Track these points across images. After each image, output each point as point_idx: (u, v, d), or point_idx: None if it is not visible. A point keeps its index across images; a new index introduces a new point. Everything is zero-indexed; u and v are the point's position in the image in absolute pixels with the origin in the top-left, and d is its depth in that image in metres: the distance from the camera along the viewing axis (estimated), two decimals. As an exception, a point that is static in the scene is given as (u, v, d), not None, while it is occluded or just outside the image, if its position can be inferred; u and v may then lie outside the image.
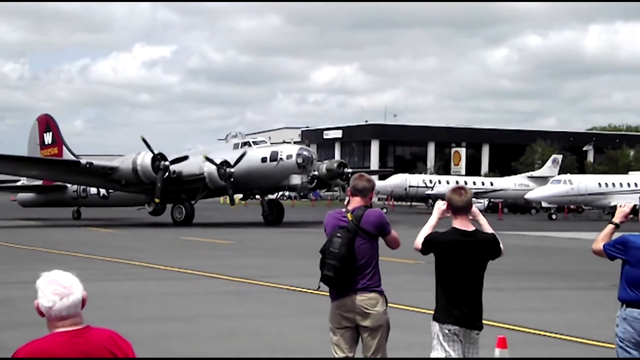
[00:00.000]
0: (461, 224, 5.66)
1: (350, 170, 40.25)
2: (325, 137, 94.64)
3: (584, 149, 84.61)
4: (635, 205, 5.89)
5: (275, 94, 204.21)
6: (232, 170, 35.29)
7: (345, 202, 6.14)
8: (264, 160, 36.16)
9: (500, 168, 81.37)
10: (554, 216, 52.94)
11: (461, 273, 5.59)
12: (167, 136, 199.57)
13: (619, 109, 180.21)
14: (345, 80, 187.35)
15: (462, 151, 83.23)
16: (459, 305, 5.57)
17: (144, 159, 35.22)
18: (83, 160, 36.25)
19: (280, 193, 51.07)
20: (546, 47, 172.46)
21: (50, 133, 42.47)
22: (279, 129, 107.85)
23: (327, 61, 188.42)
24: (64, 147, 42.10)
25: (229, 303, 12.57)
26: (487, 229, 5.78)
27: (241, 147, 37.25)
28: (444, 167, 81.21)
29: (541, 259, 22.08)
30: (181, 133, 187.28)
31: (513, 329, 10.11)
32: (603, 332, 9.25)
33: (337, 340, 6.00)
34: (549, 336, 9.88)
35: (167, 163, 35.33)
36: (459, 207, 5.66)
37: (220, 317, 11.14)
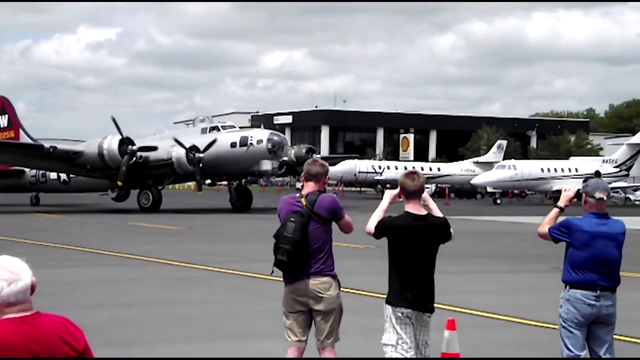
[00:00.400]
0: (413, 208, 5.76)
1: (319, 156, 39.77)
2: (275, 122, 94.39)
3: (527, 134, 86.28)
4: (578, 190, 6.07)
5: (224, 78, 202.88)
6: (202, 155, 34.39)
7: (300, 186, 6.21)
8: (233, 145, 35.24)
9: (447, 154, 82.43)
10: (498, 201, 53.96)
11: (414, 257, 5.69)
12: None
13: (561, 95, 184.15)
14: (295, 66, 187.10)
15: (411, 137, 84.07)
16: (412, 288, 5.68)
17: (111, 143, 34.12)
18: (46, 144, 34.91)
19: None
20: (491, 34, 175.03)
21: (6, 116, 40.87)
22: (228, 113, 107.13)
23: (276, 46, 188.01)
24: (20, 131, 40.60)
25: (179, 289, 12.51)
26: (438, 213, 5.90)
27: (209, 132, 36.26)
28: (392, 153, 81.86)
29: (486, 243, 22.53)
30: (128, 117, 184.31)
31: (461, 312, 10.33)
32: (547, 313, 9.51)
33: (290, 324, 6.06)
34: (496, 318, 10.12)
35: (134, 148, 34.31)
36: (411, 191, 5.76)
37: (170, 303, 11.10)
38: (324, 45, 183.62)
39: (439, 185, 63.43)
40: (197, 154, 34.40)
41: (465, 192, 64.14)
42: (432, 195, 59.57)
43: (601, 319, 5.83)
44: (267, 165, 35.15)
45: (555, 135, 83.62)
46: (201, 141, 35.23)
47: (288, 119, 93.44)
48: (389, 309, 5.73)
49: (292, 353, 6.05)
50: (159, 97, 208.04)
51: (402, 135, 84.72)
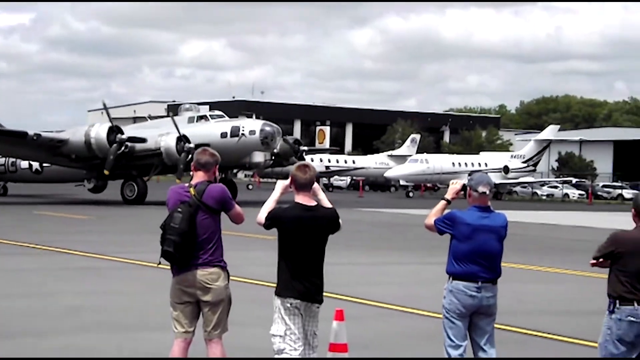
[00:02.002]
0: (303, 199, 5.80)
1: (305, 148, 38.33)
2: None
3: (441, 129, 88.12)
4: (464, 183, 6.24)
5: (141, 66, 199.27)
6: (192, 145, 32.25)
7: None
8: (223, 135, 33.72)
9: (363, 147, 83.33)
10: (411, 194, 54.96)
11: (303, 247, 5.73)
12: (27, 107, 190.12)
13: (474, 91, 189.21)
14: (213, 56, 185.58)
15: (327, 129, 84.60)
16: (301, 279, 5.71)
17: (99, 131, 32.41)
18: (30, 132, 32.72)
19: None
20: (407, 30, 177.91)
21: None
22: (145, 102, 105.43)
23: (195, 36, 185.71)
24: None
25: (75, 279, 12.33)
26: (327, 204, 5.96)
27: (197, 122, 34.86)
28: (308, 145, 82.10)
29: (396, 235, 22.88)
30: (42, 104, 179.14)
31: (356, 302, 10.48)
32: (437, 304, 9.73)
33: (177, 315, 6.01)
34: (386, 308, 10.32)
35: (123, 137, 32.69)
36: (302, 183, 5.79)
37: (67, 293, 10.93)
38: (242, 35, 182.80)
39: (354, 177, 64.10)
40: (187, 144, 32.66)
41: (379, 184, 65.04)
42: (347, 188, 60.25)
43: (482, 309, 5.98)
44: (259, 157, 33.83)
45: (467, 130, 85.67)
46: (188, 131, 33.62)
47: (205, 109, 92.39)
48: (277, 300, 5.75)
49: (178, 344, 6.00)
50: (74, 85, 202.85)
51: (318, 128, 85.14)
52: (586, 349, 8.05)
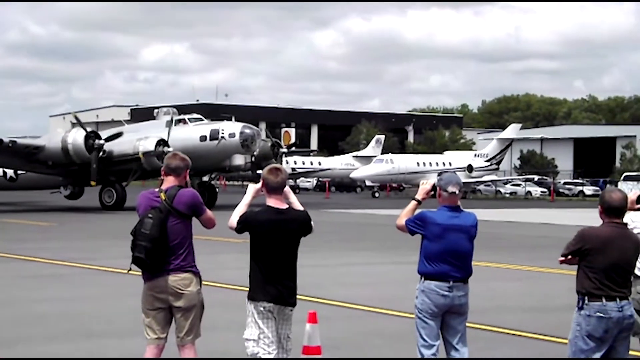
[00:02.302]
0: (275, 202, 5.79)
1: (285, 150, 37.76)
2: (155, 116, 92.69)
3: (405, 129, 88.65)
4: (434, 183, 6.27)
5: (103, 71, 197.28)
6: (171, 149, 31.69)
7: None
8: (203, 139, 33.23)
9: (328, 148, 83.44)
10: (376, 194, 55.19)
11: (276, 250, 5.71)
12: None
13: (436, 91, 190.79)
14: (176, 59, 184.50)
15: (292, 131, 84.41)
16: (274, 282, 5.69)
17: (76, 137, 31.73)
18: (5, 138, 31.90)
19: None
20: (370, 31, 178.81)
21: None
22: (108, 107, 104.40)
23: (157, 39, 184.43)
24: None
25: (44, 286, 12.17)
26: (298, 206, 5.95)
27: (175, 125, 34.16)
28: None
29: (363, 236, 22.95)
30: (1, 110, 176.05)
31: (326, 303, 10.49)
32: (407, 304, 9.79)
33: (149, 322, 5.95)
34: (361, 309, 10.33)
35: (101, 142, 32.08)
36: (274, 186, 5.77)
37: (34, 300, 10.78)
38: (205, 38, 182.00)
39: (320, 179, 64.12)
40: (166, 148, 32.03)
41: (345, 185, 65.19)
42: (313, 189, 60.16)
43: (454, 309, 6.02)
44: (239, 160, 33.41)
45: (430, 130, 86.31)
46: (165, 135, 33.03)
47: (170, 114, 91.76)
48: (251, 304, 5.73)
49: (150, 351, 5.95)
50: (35, 90, 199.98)
51: (283, 130, 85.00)
52: (556, 345, 8.13)
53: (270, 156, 36.17)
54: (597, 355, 5.66)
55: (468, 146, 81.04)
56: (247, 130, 33.97)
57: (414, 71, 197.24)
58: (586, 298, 5.68)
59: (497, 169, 63.01)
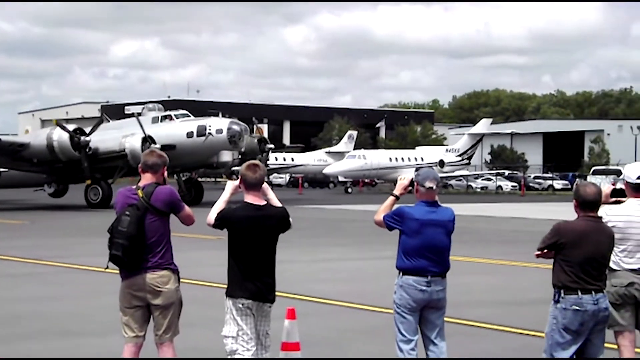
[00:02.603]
0: (253, 199, 5.77)
1: (272, 146, 37.33)
2: (126, 112, 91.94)
3: (377, 125, 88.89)
4: (412, 178, 6.29)
5: (72, 67, 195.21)
6: (158, 146, 30.87)
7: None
8: (189, 135, 32.77)
9: (301, 144, 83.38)
10: (349, 190, 55.32)
11: (254, 247, 5.70)
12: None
13: (407, 87, 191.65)
14: (146, 55, 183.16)
15: (264, 127, 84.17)
16: (253, 279, 5.68)
17: (61, 134, 31.16)
18: None
19: None
20: (340, 27, 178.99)
21: None
22: (78, 103, 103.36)
23: (127, 35, 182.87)
24: None
25: (18, 285, 12.02)
26: (277, 203, 5.94)
27: (161, 121, 33.70)
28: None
29: (336, 231, 22.99)
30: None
31: (305, 300, 10.50)
32: (388, 299, 9.83)
33: (126, 320, 5.91)
34: (338, 305, 10.35)
35: (87, 139, 31.44)
36: (252, 183, 5.76)
37: (8, 300, 10.63)
38: (175, 34, 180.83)
39: (293, 175, 64.05)
40: (152, 145, 31.19)
41: (318, 181, 65.24)
42: (287, 185, 60.09)
43: (432, 303, 6.04)
44: (227, 156, 32.97)
45: (402, 125, 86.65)
46: (153, 131, 32.53)
47: (140, 109, 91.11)
48: (229, 300, 5.72)
49: (129, 349, 5.91)
50: (3, 87, 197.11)
51: (256, 126, 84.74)
52: (532, 338, 8.20)
53: (257, 152, 35.82)
54: (573, 347, 5.73)
55: (439, 141, 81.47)
56: (235, 127, 33.64)
57: (385, 67, 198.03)
58: (562, 291, 5.73)
59: (469, 163, 63.49)
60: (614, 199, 6.31)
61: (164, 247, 5.90)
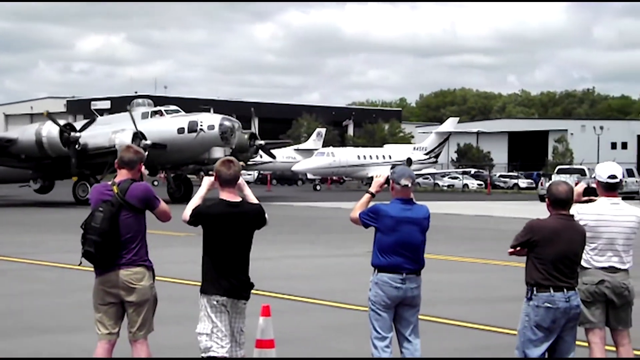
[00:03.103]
0: (228, 195, 5.75)
1: (262, 142, 36.60)
2: (92, 107, 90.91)
3: (344, 123, 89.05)
4: (388, 176, 6.32)
5: (36, 62, 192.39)
6: (148, 142, 30.88)
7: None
8: (180, 131, 32.11)
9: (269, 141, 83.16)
10: (318, 187, 55.37)
11: (229, 244, 5.67)
12: None
13: (375, 85, 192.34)
14: (113, 50, 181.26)
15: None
16: (227, 276, 5.66)
17: (51, 130, 30.45)
18: None
19: None
20: (308, 25, 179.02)
21: None
22: (42, 98, 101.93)
23: (93, 30, 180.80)
24: None
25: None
26: (253, 199, 5.93)
27: (151, 117, 32.94)
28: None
29: (305, 228, 23.01)
30: None
31: (277, 297, 10.50)
32: (360, 296, 9.88)
33: (100, 317, 5.87)
34: (310, 302, 10.36)
35: (77, 135, 30.82)
36: (226, 179, 5.74)
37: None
38: (142, 30, 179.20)
39: (261, 172, 63.89)
40: (143, 141, 30.94)
41: (287, 178, 65.16)
42: (255, 182, 59.88)
43: (407, 301, 6.07)
44: (218, 152, 32.15)
45: (370, 123, 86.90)
46: (144, 127, 31.85)
47: (106, 104, 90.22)
48: (204, 298, 5.69)
49: (102, 346, 5.85)
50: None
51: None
52: (505, 335, 8.27)
53: (247, 148, 35.35)
54: (545, 345, 5.78)
55: (407, 139, 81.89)
56: (227, 123, 33.14)
57: (353, 65, 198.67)
58: (535, 289, 5.78)
59: (436, 162, 63.89)
60: (586, 198, 6.39)
61: (139, 244, 5.86)
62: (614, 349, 6.30)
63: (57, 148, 30.84)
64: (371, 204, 6.24)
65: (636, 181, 46.00)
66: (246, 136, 36.08)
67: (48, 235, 19.07)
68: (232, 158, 5.97)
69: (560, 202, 5.84)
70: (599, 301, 6.14)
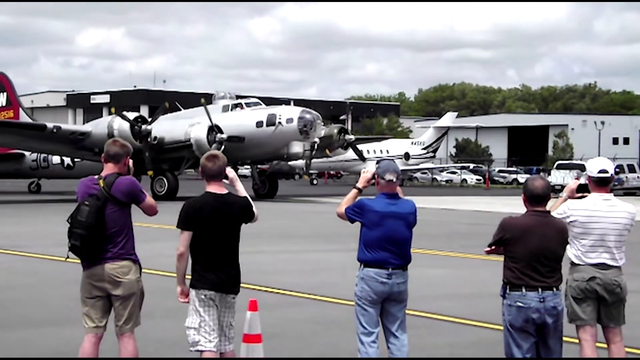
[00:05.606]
0: (215, 188, 5.76)
1: (352, 137, 34.98)
2: (92, 101, 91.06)
3: (342, 117, 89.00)
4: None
5: (37, 56, 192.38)
6: (224, 136, 30.07)
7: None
8: (259, 124, 31.07)
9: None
10: (315, 181, 55.36)
11: (216, 237, 5.68)
12: None
13: (373, 80, 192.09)
14: (112, 45, 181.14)
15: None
16: (215, 270, 5.67)
17: (122, 123, 30.12)
18: (49, 124, 30.31)
19: None
20: (306, 19, 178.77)
21: (4, 94, 35.91)
22: (43, 92, 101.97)
23: (92, 24, 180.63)
24: (20, 110, 35.72)
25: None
26: (242, 193, 5.93)
27: (232, 110, 32.14)
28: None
29: (301, 223, 23.01)
30: None
31: (269, 291, 10.51)
32: (351, 292, 9.87)
33: (87, 310, 5.88)
34: (300, 297, 10.37)
35: (149, 127, 30.31)
36: (211, 174, 5.75)
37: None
38: (141, 24, 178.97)
39: (258, 166, 63.67)
40: (219, 135, 30.17)
41: (283, 172, 65.07)
42: (252, 177, 59.47)
43: (393, 296, 6.06)
44: (297, 147, 31.15)
45: (368, 118, 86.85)
46: (222, 121, 31.02)
47: (106, 99, 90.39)
48: (192, 292, 5.71)
49: (89, 340, 5.87)
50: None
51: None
52: (494, 332, 8.27)
53: (336, 143, 33.58)
54: (525, 344, 5.68)
55: (405, 134, 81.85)
56: (307, 115, 31.56)
57: (351, 59, 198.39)
58: (508, 287, 5.75)
59: (434, 156, 63.82)
60: (579, 194, 6.32)
61: (125, 238, 5.87)
62: (605, 346, 6.24)
63: (129, 141, 30.44)
64: (357, 198, 6.24)
65: (638, 177, 45.88)
66: (335, 130, 33.92)
67: (38, 227, 19.02)
68: (217, 152, 5.97)
69: (536, 198, 5.76)
70: (590, 298, 6.04)
